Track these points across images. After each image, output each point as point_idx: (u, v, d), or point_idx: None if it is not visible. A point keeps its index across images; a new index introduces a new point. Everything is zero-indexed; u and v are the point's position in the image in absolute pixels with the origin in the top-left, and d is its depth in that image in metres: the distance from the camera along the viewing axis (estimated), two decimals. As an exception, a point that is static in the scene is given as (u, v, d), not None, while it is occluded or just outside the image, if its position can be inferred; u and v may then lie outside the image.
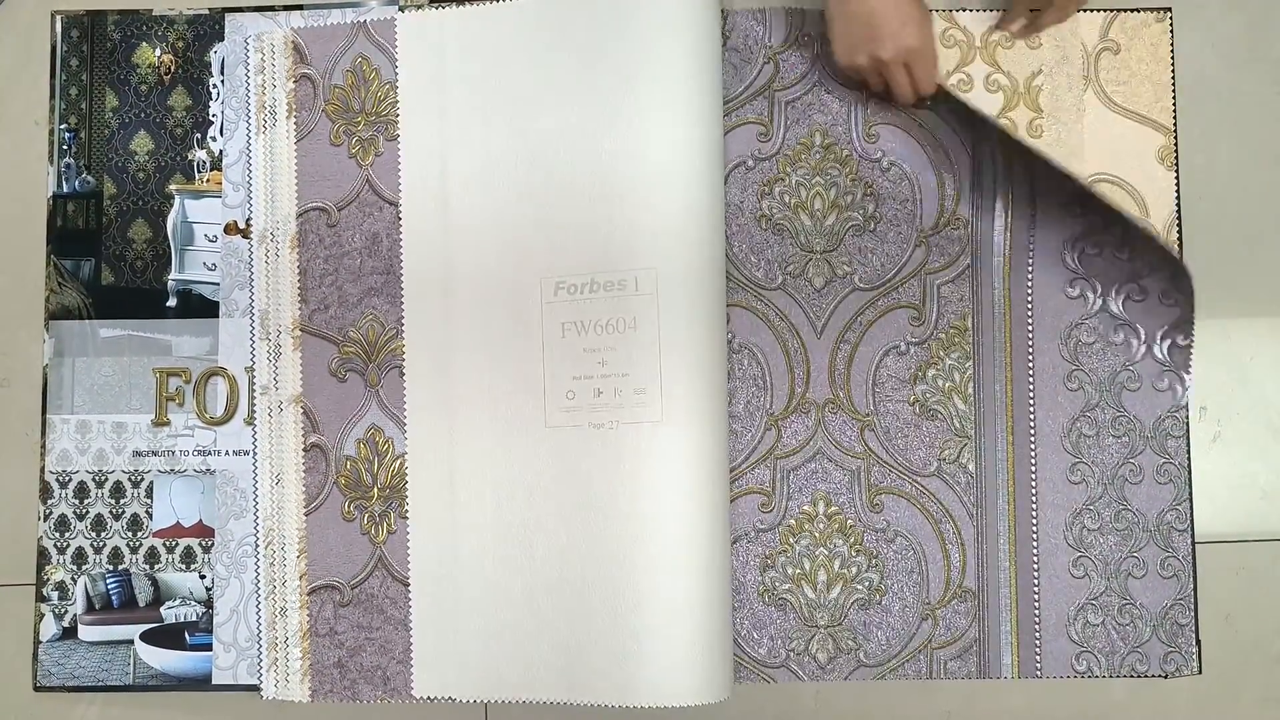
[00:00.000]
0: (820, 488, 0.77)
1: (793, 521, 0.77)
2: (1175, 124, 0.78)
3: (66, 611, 0.77)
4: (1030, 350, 0.77)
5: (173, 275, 0.78)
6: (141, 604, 0.77)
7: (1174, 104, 0.78)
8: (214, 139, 0.79)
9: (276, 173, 0.77)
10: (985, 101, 0.78)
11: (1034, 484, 0.77)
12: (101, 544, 0.77)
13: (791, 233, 0.78)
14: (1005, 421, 0.77)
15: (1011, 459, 0.77)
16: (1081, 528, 0.76)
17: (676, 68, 0.73)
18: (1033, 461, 0.77)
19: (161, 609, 0.77)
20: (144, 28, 0.80)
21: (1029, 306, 0.77)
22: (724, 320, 0.75)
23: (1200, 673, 0.76)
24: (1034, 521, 0.76)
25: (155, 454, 0.78)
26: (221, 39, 0.79)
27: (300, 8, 0.79)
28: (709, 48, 0.74)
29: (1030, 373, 0.77)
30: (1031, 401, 0.77)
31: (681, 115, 0.73)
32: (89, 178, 0.79)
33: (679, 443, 0.72)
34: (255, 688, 0.76)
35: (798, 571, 0.76)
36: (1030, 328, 0.77)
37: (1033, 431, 0.77)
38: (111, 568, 0.77)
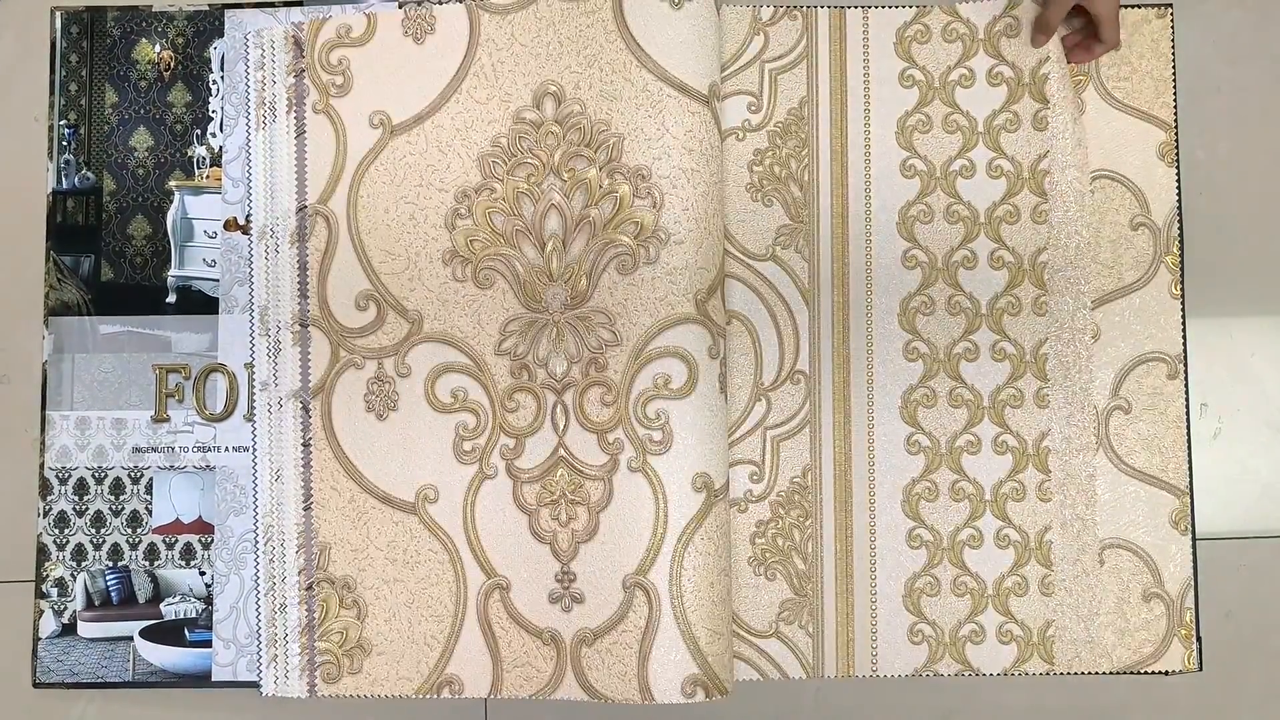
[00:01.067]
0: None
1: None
2: (1176, 120, 0.78)
3: (66, 608, 0.77)
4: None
5: (172, 271, 0.78)
6: (141, 600, 0.77)
7: (1175, 100, 0.78)
8: (214, 135, 0.79)
9: (276, 169, 0.77)
10: (988, 95, 0.78)
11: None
12: (101, 540, 0.77)
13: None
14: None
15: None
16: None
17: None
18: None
19: (161, 606, 0.77)
20: (144, 24, 0.80)
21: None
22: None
23: (1201, 669, 0.76)
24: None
25: (155, 450, 0.78)
26: (221, 35, 0.79)
27: (300, 3, 0.79)
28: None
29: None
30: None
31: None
32: (89, 174, 0.79)
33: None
34: (255, 684, 0.76)
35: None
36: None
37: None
38: (111, 564, 0.77)
